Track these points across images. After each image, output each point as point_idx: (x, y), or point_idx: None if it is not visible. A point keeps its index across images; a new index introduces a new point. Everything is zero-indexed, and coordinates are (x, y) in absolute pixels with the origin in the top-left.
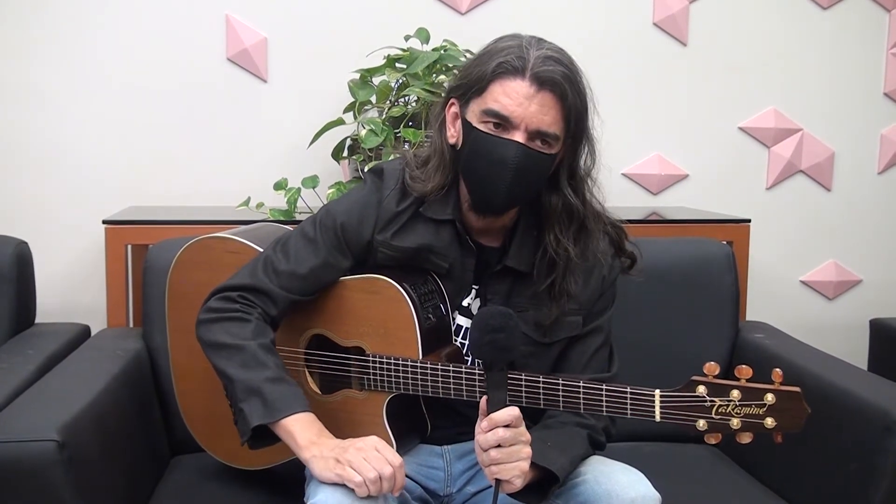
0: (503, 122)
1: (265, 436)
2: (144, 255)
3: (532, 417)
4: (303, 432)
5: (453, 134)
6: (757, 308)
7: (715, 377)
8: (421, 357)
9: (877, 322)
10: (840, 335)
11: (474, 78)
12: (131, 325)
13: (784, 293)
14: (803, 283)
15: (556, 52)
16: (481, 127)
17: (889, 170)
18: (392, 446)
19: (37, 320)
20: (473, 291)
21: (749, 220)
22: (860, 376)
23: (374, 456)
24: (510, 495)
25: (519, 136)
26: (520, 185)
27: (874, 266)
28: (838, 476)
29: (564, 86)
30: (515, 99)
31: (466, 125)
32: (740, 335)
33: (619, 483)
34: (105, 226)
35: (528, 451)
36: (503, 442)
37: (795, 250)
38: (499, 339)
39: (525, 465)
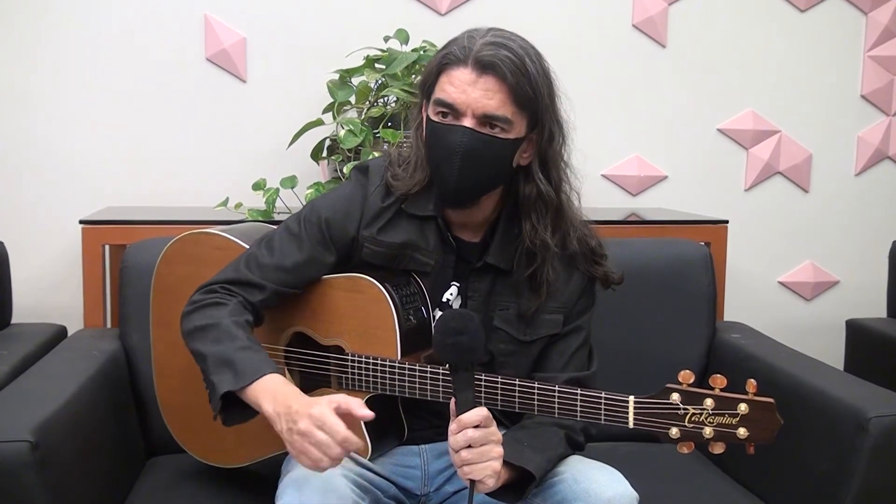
0: (451, 110)
1: (237, 405)
2: (121, 255)
3: (511, 418)
4: (268, 402)
5: (424, 132)
6: (735, 309)
7: (690, 384)
8: (399, 358)
9: (853, 322)
10: (817, 336)
11: (427, 74)
12: (108, 325)
13: (762, 294)
14: (781, 283)
15: (503, 38)
16: (435, 118)
17: (866, 171)
18: (367, 449)
19: (13, 320)
20: (454, 288)
21: (727, 221)
22: (835, 376)
23: (319, 440)
24: (488, 495)
25: (468, 122)
26: (471, 169)
27: (851, 267)
28: (812, 474)
29: (507, 68)
30: (459, 86)
31: (427, 120)
32: (717, 336)
33: (597, 482)
34: (82, 226)
35: (499, 450)
36: (473, 442)
37: (773, 251)
38: (462, 342)
39: (497, 464)
